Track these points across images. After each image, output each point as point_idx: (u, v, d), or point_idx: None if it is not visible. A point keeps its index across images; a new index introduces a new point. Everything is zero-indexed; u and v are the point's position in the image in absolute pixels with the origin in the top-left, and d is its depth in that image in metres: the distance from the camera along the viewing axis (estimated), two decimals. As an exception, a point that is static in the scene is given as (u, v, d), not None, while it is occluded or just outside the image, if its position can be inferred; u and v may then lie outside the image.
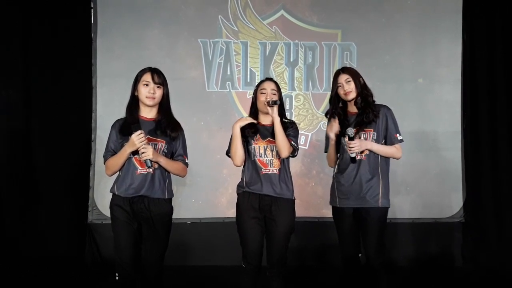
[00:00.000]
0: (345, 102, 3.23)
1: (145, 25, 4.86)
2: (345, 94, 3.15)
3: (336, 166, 3.27)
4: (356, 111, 3.19)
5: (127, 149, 2.82)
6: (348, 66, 3.45)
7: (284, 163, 3.14)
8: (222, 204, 4.85)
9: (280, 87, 3.22)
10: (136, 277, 2.89)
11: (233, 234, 3.29)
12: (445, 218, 4.92)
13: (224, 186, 4.85)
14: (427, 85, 4.94)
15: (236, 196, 3.21)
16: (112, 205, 2.92)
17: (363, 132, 3.14)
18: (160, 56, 4.76)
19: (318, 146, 4.91)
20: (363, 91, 3.17)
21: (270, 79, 3.24)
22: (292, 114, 4.91)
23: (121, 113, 3.00)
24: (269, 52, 4.96)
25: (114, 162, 2.89)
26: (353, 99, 3.17)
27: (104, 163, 2.96)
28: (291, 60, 4.97)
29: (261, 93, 3.14)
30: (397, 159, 3.22)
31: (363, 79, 3.20)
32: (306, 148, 4.92)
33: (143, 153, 2.78)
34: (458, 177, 4.95)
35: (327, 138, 3.29)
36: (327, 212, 4.86)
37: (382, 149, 3.15)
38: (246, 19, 4.95)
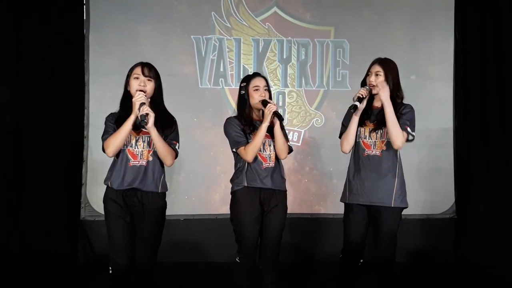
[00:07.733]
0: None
1: (138, 21, 4.83)
2: (371, 85, 3.04)
3: (350, 161, 3.16)
4: (380, 106, 3.02)
5: (131, 117, 2.77)
6: (387, 59, 3.10)
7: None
8: (215, 201, 4.85)
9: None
10: (130, 271, 2.88)
11: (226, 230, 3.28)
12: (437, 214, 4.94)
13: (217, 183, 4.84)
14: (420, 82, 4.95)
15: (229, 193, 3.21)
16: (105, 199, 2.90)
17: (380, 129, 3.04)
18: (153, 52, 4.73)
19: (311, 142, 4.93)
20: (394, 91, 3.02)
21: (259, 74, 3.20)
22: (285, 111, 4.90)
23: (114, 110, 2.98)
24: (262, 49, 4.95)
25: (116, 136, 2.79)
26: (376, 94, 3.05)
27: (103, 146, 2.85)
28: (284, 57, 4.97)
29: (255, 90, 3.11)
30: (396, 147, 3.00)
31: (398, 78, 3.06)
32: (299, 144, 4.92)
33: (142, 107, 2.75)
34: (450, 174, 4.97)
35: (347, 118, 3.14)
36: (320, 209, 4.95)
37: (392, 119, 2.93)
38: (239, 16, 4.94)
